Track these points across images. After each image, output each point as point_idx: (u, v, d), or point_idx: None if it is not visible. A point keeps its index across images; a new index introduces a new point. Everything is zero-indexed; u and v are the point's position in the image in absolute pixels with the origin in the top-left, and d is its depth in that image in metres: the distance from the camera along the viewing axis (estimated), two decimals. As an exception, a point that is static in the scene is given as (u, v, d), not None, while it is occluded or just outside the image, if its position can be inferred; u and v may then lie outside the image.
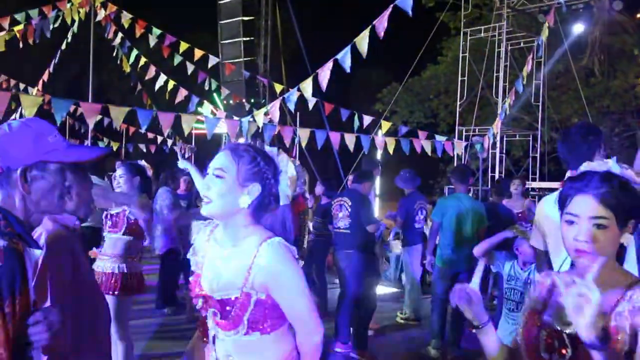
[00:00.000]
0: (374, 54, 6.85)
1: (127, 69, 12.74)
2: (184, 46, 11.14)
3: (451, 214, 5.61)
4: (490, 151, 12.22)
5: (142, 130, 7.76)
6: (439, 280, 5.73)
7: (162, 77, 11.32)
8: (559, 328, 1.57)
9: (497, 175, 12.30)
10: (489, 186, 10.99)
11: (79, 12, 11.05)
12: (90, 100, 9.22)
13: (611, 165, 1.60)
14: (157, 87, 11.43)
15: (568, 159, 2.79)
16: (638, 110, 15.62)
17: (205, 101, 12.33)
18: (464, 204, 5.64)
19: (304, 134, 8.07)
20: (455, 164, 13.20)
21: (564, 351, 1.54)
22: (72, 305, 2.30)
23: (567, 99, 15.52)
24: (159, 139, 15.54)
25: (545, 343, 1.59)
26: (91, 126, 7.06)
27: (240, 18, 14.78)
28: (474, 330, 1.78)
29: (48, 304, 2.30)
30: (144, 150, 16.18)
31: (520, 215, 7.06)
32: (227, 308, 1.77)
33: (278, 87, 11.75)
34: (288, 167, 5.15)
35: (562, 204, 1.60)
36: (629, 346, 1.44)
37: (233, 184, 1.75)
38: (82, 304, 2.36)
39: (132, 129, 14.70)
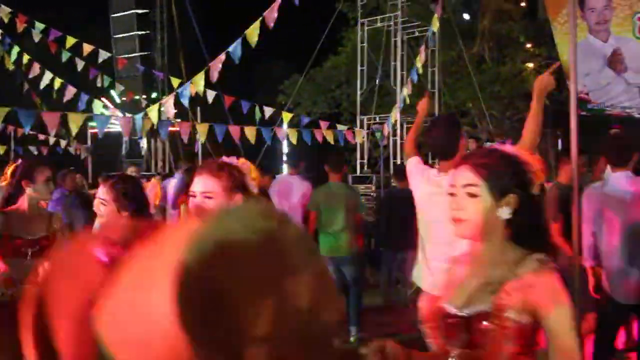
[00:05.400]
0: (275, 46, 6.80)
1: (10, 67, 11.85)
2: (70, 41, 10.49)
3: (324, 203, 5.74)
4: (391, 138, 12.51)
5: (26, 132, 7.26)
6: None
7: (48, 75, 10.61)
8: (455, 312, 1.57)
9: (398, 162, 12.60)
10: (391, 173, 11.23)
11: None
12: (-33, 102, 8.48)
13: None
14: (42, 85, 10.71)
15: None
16: (526, 94, 16.58)
17: (95, 99, 11.72)
18: (335, 191, 5.77)
19: (203, 129, 7.86)
20: (358, 153, 13.44)
21: (461, 335, 1.54)
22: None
23: (461, 85, 16.18)
24: (52, 140, 14.64)
25: (443, 328, 1.59)
26: (-35, 129, 6.50)
27: (134, 11, 14.18)
28: None
29: None
30: (35, 152, 15.20)
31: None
32: None
33: (176, 82, 11.35)
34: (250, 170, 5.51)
35: None
36: (518, 323, 1.46)
37: (229, 192, 2.13)
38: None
39: (20, 131, 13.71)
